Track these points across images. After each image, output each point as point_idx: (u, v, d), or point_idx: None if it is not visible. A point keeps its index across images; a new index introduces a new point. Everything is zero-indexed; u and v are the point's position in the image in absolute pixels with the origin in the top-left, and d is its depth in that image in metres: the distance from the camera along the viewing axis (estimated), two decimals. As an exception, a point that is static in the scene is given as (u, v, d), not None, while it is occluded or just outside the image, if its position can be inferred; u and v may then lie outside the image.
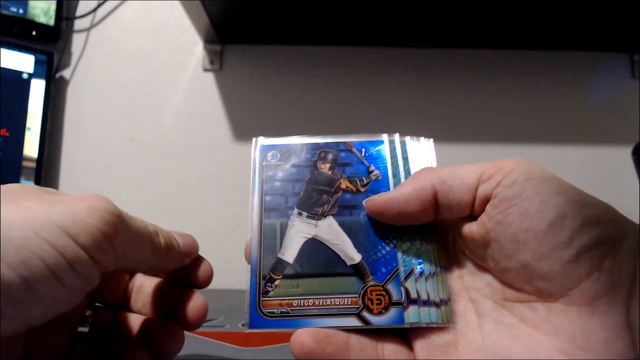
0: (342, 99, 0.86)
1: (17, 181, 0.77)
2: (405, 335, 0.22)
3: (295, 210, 0.24)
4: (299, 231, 0.24)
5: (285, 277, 0.23)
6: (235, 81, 0.87)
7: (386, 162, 0.25)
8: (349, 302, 0.22)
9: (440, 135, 0.85)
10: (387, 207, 0.23)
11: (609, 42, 0.83)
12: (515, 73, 0.87)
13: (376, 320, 0.22)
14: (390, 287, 0.22)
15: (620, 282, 0.18)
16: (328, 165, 0.26)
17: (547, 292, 0.20)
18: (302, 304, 0.22)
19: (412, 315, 0.22)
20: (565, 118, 0.85)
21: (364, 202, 0.24)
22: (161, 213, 0.83)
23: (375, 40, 0.85)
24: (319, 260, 0.23)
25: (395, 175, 0.25)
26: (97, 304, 0.27)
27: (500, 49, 0.86)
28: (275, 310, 0.22)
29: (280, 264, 0.23)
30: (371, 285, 0.22)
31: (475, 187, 0.22)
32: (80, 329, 0.25)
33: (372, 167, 0.25)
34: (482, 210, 0.22)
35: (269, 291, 0.22)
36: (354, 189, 0.25)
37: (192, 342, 0.37)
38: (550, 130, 0.85)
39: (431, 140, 0.26)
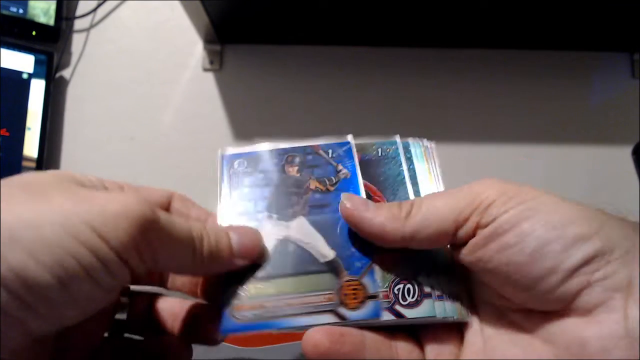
0: (342, 99, 0.86)
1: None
2: (416, 335, 0.22)
3: (265, 213, 0.24)
4: (270, 233, 0.24)
5: (258, 279, 0.23)
6: (235, 81, 0.86)
7: (354, 161, 0.25)
8: (325, 299, 0.22)
9: (441, 135, 0.85)
10: (359, 225, 0.22)
11: (609, 42, 0.83)
12: (515, 73, 0.86)
13: (352, 315, 0.21)
14: (366, 281, 0.22)
15: (616, 289, 0.18)
16: (296, 168, 0.26)
17: (543, 309, 0.20)
18: (276, 305, 0.22)
19: (428, 309, 0.21)
20: (565, 118, 0.85)
21: (340, 205, 0.23)
22: (161, 213, 0.83)
23: (375, 40, 0.85)
24: (291, 260, 0.23)
25: (400, 174, 0.25)
26: (131, 290, 0.26)
27: (500, 49, 0.86)
28: (248, 313, 0.21)
29: (252, 266, 0.23)
30: (346, 281, 0.22)
31: (451, 234, 0.21)
32: (118, 316, 0.25)
33: (340, 167, 0.25)
34: (463, 244, 0.21)
35: (242, 294, 0.22)
36: (324, 189, 0.25)
37: (192, 342, 0.37)
38: (550, 130, 0.85)
39: (433, 143, 0.26)
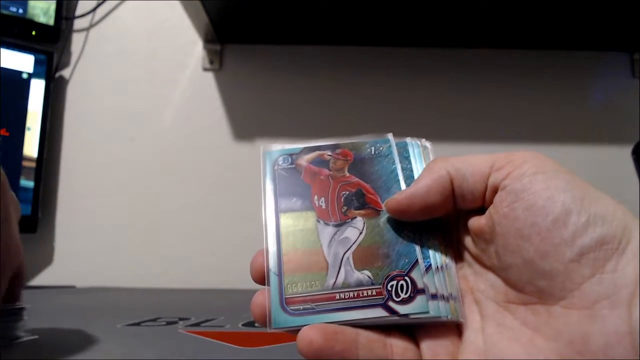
0: (342, 99, 0.86)
1: (16, 181, 0.77)
2: (412, 333, 0.22)
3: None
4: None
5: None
6: (235, 81, 0.87)
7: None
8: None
9: (441, 135, 0.85)
10: (409, 204, 0.23)
11: (609, 42, 0.83)
12: (515, 73, 0.87)
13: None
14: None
15: (623, 285, 0.18)
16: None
17: (548, 292, 0.19)
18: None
19: (421, 306, 0.22)
20: (565, 117, 0.85)
21: (384, 204, 0.24)
22: (161, 213, 0.83)
23: (376, 40, 0.85)
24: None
25: (393, 171, 0.25)
26: None
27: (500, 49, 0.86)
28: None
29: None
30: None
31: (487, 175, 0.22)
32: None
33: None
34: (492, 202, 0.21)
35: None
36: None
37: (192, 342, 0.37)
38: (550, 130, 0.85)
39: (429, 143, 0.26)
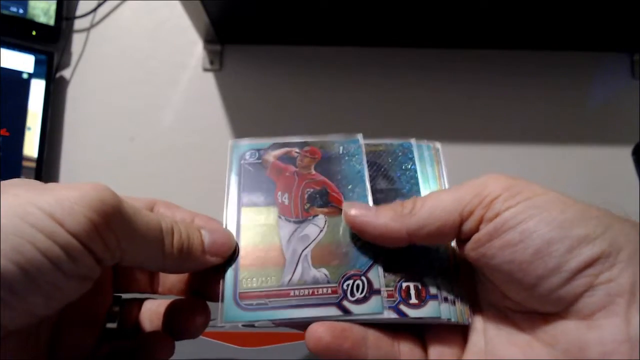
0: (341, 99, 0.86)
1: (17, 181, 0.77)
2: (421, 335, 0.22)
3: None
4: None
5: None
6: (235, 81, 0.87)
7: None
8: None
9: (440, 135, 0.85)
10: (364, 229, 0.22)
11: (609, 42, 0.83)
12: (515, 73, 0.86)
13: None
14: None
15: (619, 294, 0.17)
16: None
17: (544, 310, 0.20)
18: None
19: (433, 310, 0.21)
20: (565, 118, 0.85)
21: (343, 215, 0.23)
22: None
23: (376, 41, 0.85)
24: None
25: (360, 171, 0.25)
26: (123, 298, 0.26)
27: (500, 49, 0.86)
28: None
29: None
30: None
31: (457, 227, 0.21)
32: (110, 325, 0.25)
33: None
34: (468, 238, 0.21)
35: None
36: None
37: (191, 342, 0.37)
38: (550, 130, 0.85)
39: (440, 144, 0.26)
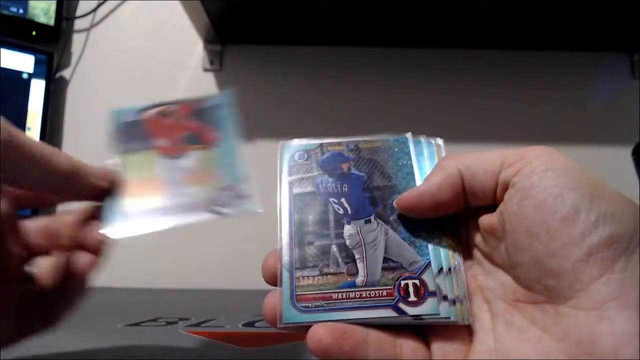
0: (342, 99, 0.86)
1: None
2: (423, 333, 0.22)
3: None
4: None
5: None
6: (235, 81, 0.87)
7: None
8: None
9: (441, 135, 0.84)
10: (420, 201, 0.23)
11: (609, 42, 0.83)
12: (515, 73, 0.87)
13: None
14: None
15: (632, 286, 0.18)
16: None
17: (556, 292, 0.19)
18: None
19: (432, 308, 0.22)
20: (565, 118, 0.85)
21: (394, 202, 0.24)
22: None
23: (376, 41, 0.85)
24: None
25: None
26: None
27: (499, 49, 0.86)
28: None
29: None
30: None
31: (497, 172, 0.21)
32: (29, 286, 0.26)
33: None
34: (502, 199, 0.21)
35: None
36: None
37: (192, 342, 0.37)
38: (550, 130, 0.85)
39: (441, 140, 0.27)
